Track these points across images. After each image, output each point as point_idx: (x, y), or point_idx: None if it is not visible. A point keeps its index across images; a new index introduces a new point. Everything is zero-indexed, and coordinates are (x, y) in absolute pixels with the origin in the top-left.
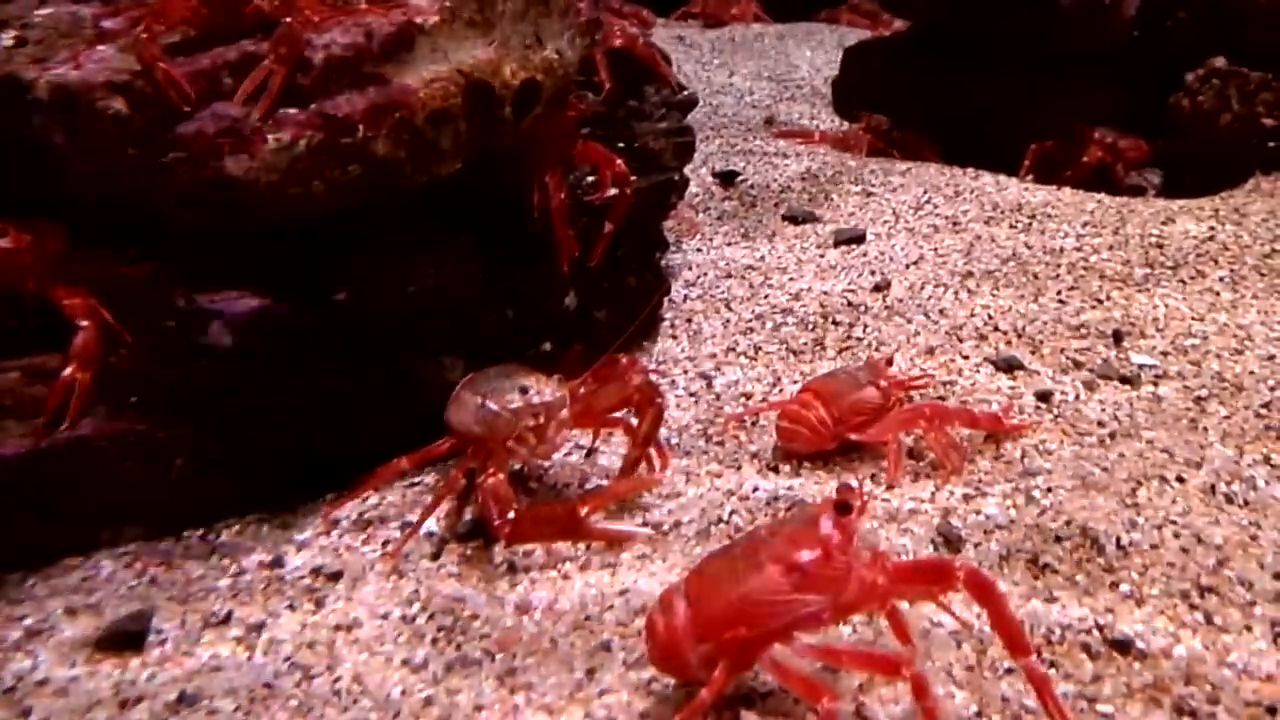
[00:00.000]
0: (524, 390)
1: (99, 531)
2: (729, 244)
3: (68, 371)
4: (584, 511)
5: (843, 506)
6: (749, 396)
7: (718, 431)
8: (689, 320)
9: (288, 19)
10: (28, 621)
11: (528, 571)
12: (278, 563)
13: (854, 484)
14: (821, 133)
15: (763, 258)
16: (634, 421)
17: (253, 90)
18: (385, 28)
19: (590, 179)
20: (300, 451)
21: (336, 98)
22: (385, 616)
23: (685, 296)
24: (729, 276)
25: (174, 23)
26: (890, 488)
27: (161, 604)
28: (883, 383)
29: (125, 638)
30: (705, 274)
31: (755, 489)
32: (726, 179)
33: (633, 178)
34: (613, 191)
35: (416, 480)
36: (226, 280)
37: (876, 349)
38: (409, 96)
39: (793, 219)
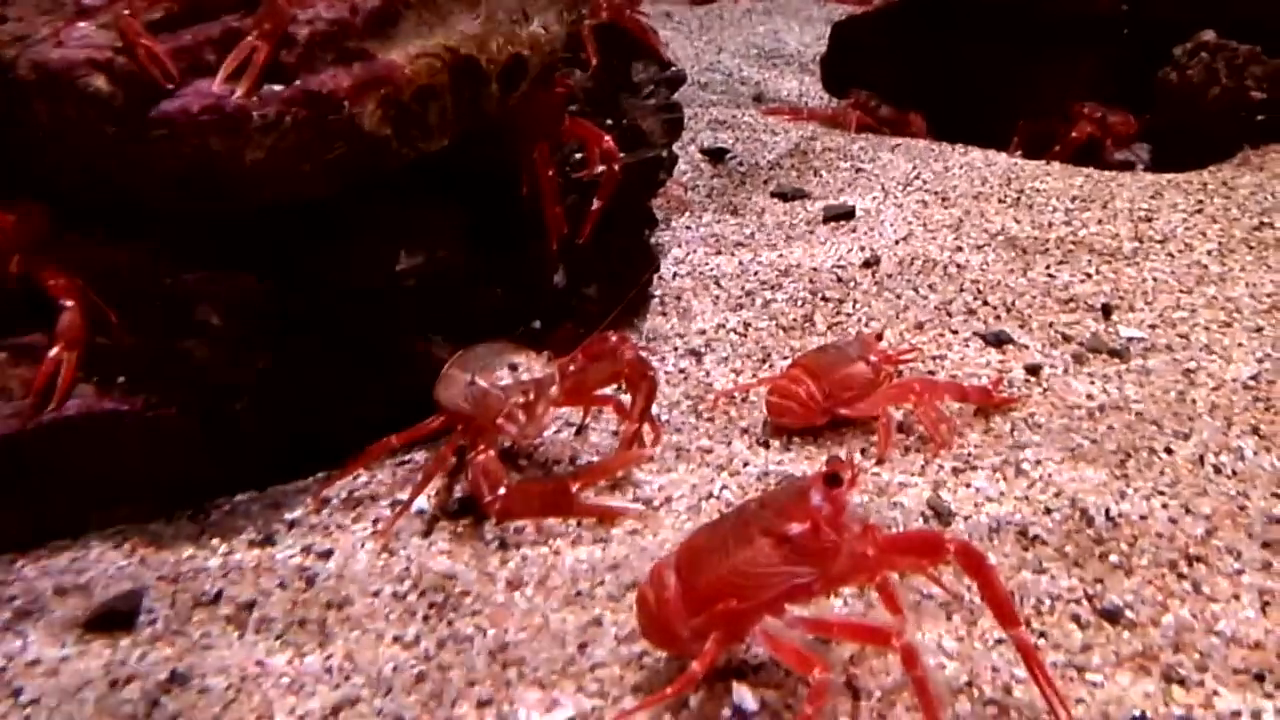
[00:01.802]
0: (513, 368)
1: (88, 512)
2: (718, 221)
3: (54, 352)
4: (575, 487)
5: (833, 479)
6: (739, 373)
7: (708, 407)
8: (678, 297)
9: None
10: (17, 603)
11: (519, 548)
12: (268, 541)
13: (844, 457)
14: (810, 109)
15: (752, 234)
16: (624, 399)
17: (236, 67)
18: (371, 2)
19: (578, 156)
20: (289, 431)
21: (322, 74)
22: (376, 594)
23: (674, 274)
24: (718, 253)
25: None
26: (880, 461)
27: (152, 584)
28: (872, 358)
29: (115, 617)
30: (694, 251)
31: (746, 464)
32: (715, 156)
33: (621, 155)
34: (601, 169)
35: (406, 458)
36: (213, 259)
37: (866, 324)
38: (395, 72)
39: (782, 195)
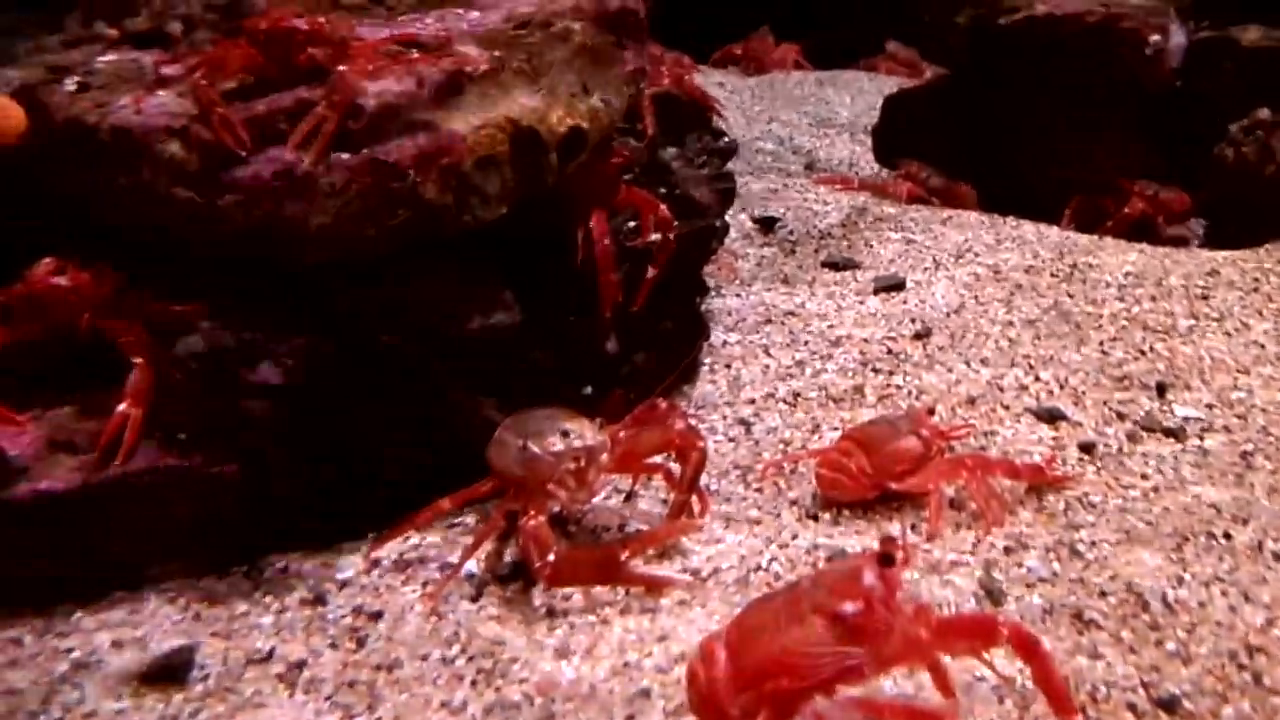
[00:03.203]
0: (565, 434)
1: (145, 566)
2: (768, 289)
3: (122, 407)
4: (624, 556)
5: (886, 558)
6: (788, 443)
7: (757, 478)
8: (728, 365)
9: (342, 67)
10: (75, 654)
11: (567, 615)
12: (320, 600)
13: (895, 534)
14: (861, 179)
15: (802, 304)
16: (674, 468)
17: (306, 135)
18: (436, 75)
19: (632, 224)
20: (343, 489)
21: (387, 143)
22: (425, 658)
23: (724, 342)
24: (768, 322)
25: (231, 70)
26: (931, 538)
27: (205, 639)
28: (924, 432)
29: (170, 672)
30: (744, 319)
31: (795, 537)
32: (766, 224)
33: (675, 224)
34: (655, 237)
35: (457, 521)
36: (276, 319)
37: (917, 397)
38: (457, 143)
39: (832, 265)
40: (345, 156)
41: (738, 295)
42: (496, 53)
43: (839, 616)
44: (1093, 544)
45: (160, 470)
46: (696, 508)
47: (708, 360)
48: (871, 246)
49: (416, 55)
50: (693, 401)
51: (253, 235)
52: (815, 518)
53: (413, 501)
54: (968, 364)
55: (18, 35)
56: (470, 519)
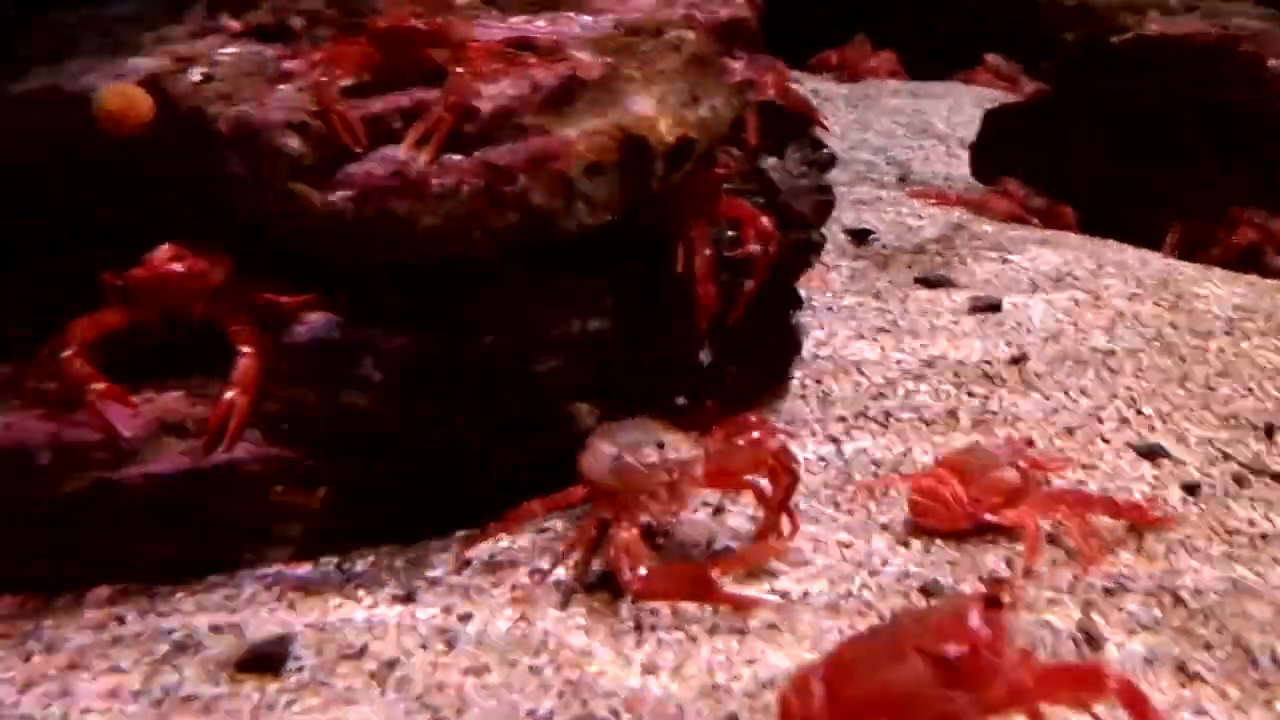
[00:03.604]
0: (660, 446)
1: (242, 551)
2: (860, 304)
3: (229, 395)
4: (714, 573)
5: (993, 600)
6: (879, 465)
7: (847, 500)
8: (818, 381)
9: (459, 69)
10: (175, 635)
11: (654, 630)
12: (410, 598)
13: (1005, 577)
14: (957, 194)
15: (894, 320)
16: (764, 484)
17: (421, 135)
18: (550, 80)
19: (730, 234)
20: (435, 487)
21: (500, 147)
22: (514, 664)
23: (815, 355)
24: (859, 338)
25: (350, 67)
26: (1027, 574)
27: (300, 630)
28: (1022, 463)
29: (266, 661)
30: (835, 334)
31: (885, 563)
32: (859, 237)
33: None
34: (754, 248)
35: (546, 526)
36: (379, 317)
37: (1013, 424)
38: (568, 148)
39: (926, 281)
40: (457, 158)
41: (828, 309)
42: (608, 59)
43: (942, 658)
44: (1197, 591)
45: (263, 459)
46: (786, 528)
47: (798, 374)
48: (967, 264)
49: (531, 59)
50: (782, 416)
51: (363, 232)
52: (906, 545)
53: (503, 503)
54: (1066, 393)
55: (142, 24)
56: (559, 524)
